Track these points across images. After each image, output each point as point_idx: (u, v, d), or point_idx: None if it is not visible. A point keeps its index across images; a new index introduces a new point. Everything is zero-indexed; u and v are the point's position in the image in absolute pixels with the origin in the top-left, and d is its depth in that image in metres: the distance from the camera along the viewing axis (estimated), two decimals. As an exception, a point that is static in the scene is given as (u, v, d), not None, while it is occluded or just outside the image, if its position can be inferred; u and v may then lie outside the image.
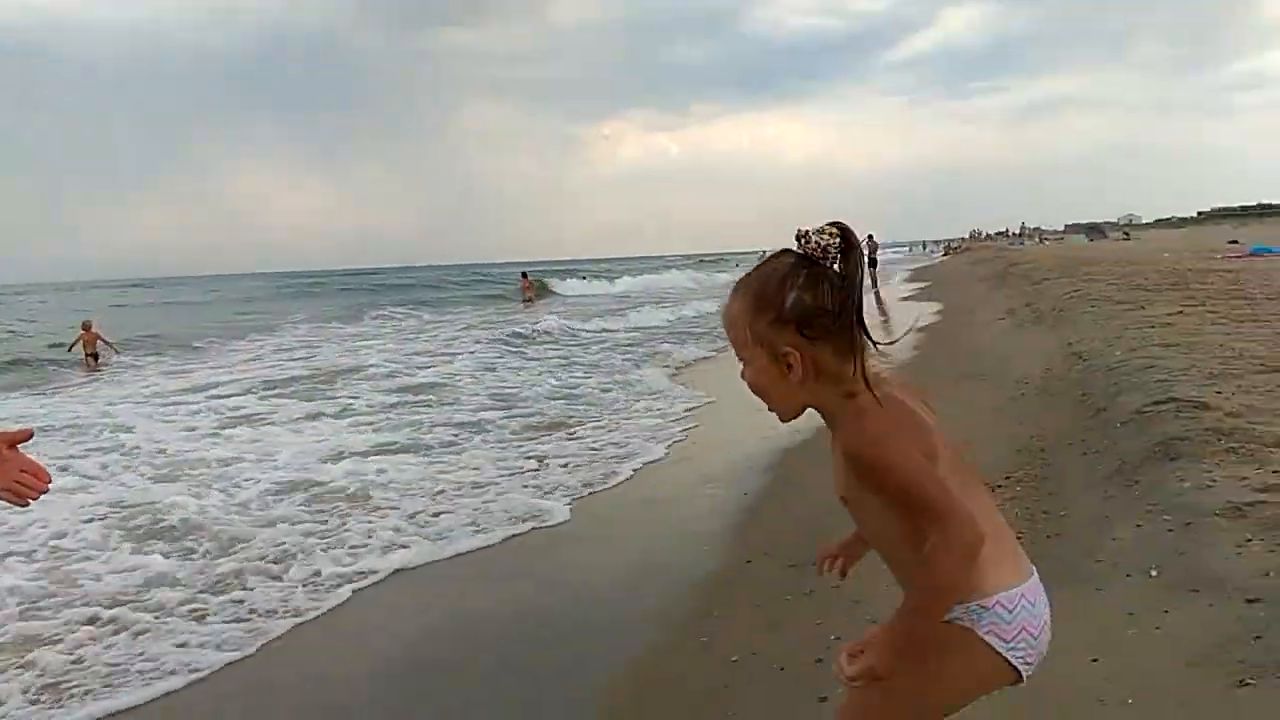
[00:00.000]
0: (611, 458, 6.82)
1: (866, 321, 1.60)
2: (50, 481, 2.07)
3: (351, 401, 10.41)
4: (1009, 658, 1.56)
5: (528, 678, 3.39)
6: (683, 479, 6.07)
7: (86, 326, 18.14)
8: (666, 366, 12.46)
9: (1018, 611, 1.56)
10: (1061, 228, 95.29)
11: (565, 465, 6.71)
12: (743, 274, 1.66)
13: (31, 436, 2.09)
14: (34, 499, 2.11)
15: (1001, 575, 1.57)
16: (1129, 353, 6.76)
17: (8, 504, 2.09)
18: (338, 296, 41.86)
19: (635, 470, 6.40)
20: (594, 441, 7.48)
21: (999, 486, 4.52)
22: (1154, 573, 2.99)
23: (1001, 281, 19.65)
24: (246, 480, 6.66)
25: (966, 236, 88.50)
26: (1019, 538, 3.82)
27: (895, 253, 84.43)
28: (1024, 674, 1.59)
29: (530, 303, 31.24)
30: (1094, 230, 74.44)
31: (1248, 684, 2.22)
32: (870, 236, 37.20)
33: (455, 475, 6.60)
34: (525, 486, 6.15)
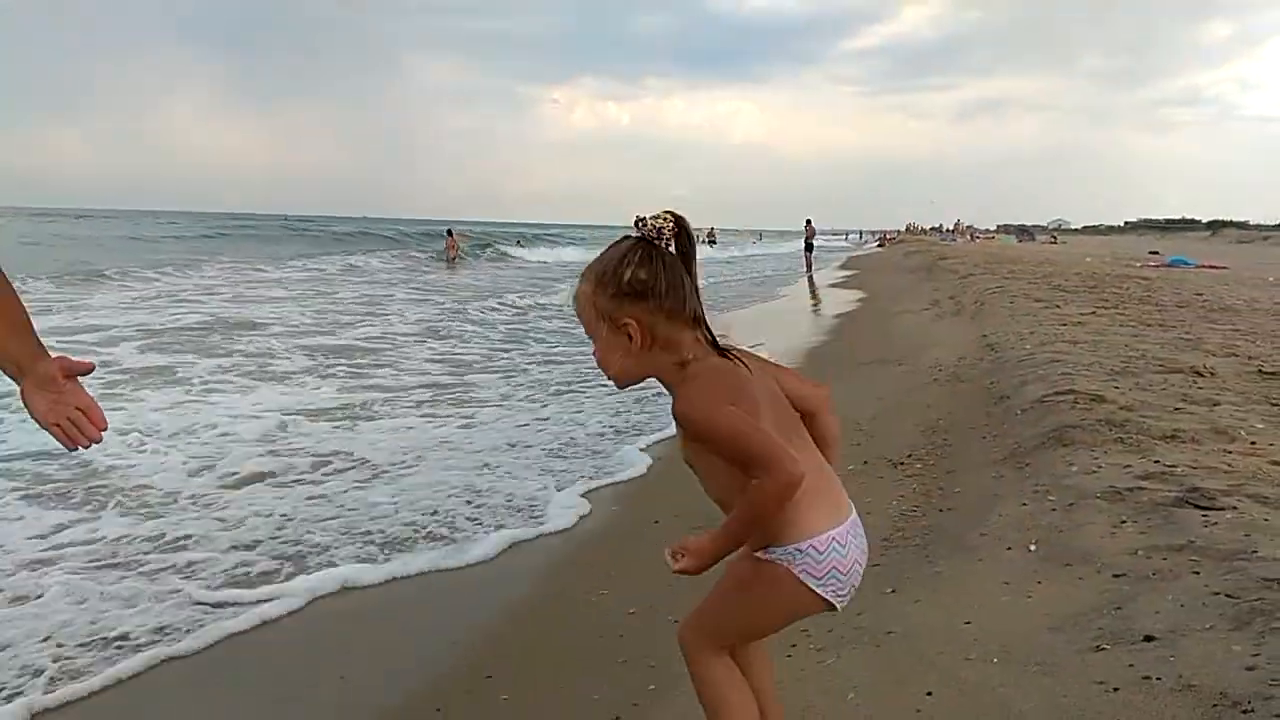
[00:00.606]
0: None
1: (701, 296, 1.82)
2: (106, 428, 1.88)
3: (285, 360, 9.44)
4: (820, 593, 1.78)
5: (454, 615, 3.44)
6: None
7: None
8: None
9: (828, 553, 1.77)
10: (993, 227, 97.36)
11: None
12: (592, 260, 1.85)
13: (93, 369, 1.93)
14: (85, 446, 1.89)
15: (816, 521, 1.77)
16: (1038, 347, 7.01)
17: (56, 442, 1.85)
18: (273, 242, 40.63)
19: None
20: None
21: (901, 464, 4.68)
22: (1032, 547, 3.15)
23: (929, 274, 20.08)
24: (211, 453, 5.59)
25: (903, 229, 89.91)
26: (914, 511, 3.99)
27: (834, 239, 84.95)
28: (837, 605, 1.82)
29: (453, 263, 30.47)
30: (1023, 232, 76.20)
31: (1102, 649, 2.36)
32: (809, 221, 37.54)
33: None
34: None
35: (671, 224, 1.78)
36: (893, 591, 3.09)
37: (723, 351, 1.82)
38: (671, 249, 1.78)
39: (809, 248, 34.88)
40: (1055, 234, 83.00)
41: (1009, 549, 3.21)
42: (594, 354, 1.85)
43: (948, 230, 74.54)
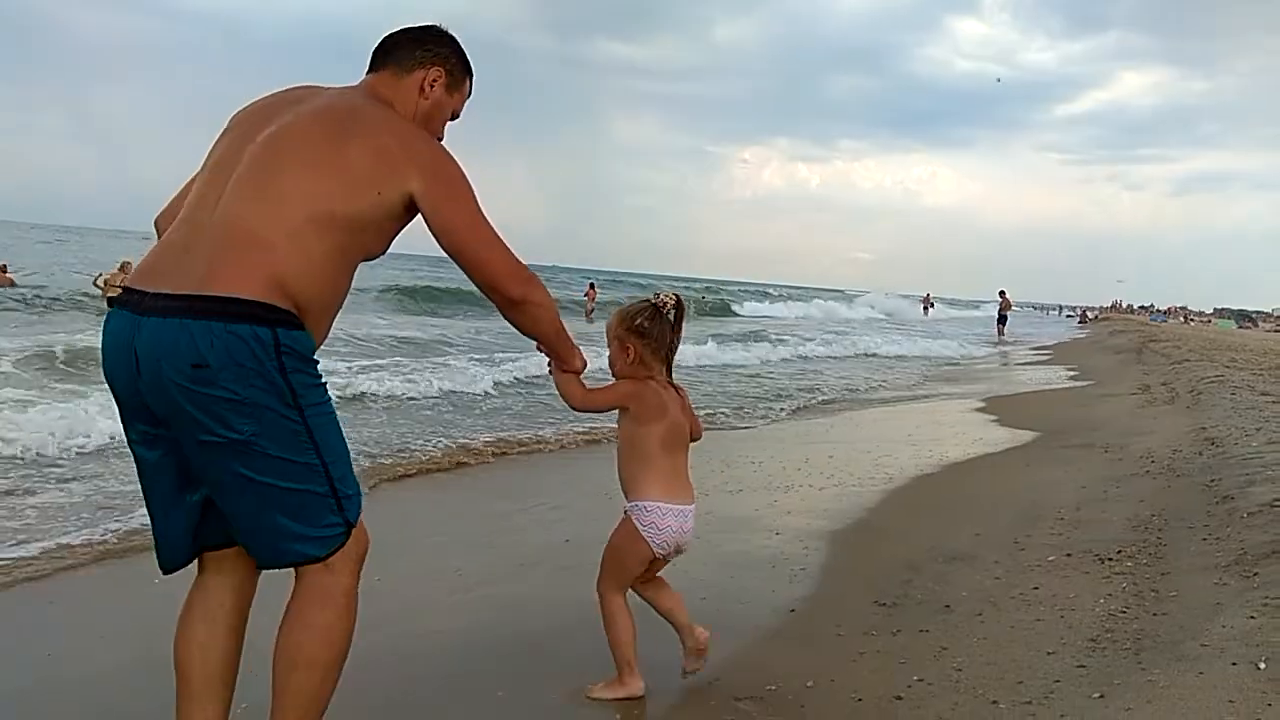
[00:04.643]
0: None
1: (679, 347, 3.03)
2: None
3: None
4: (644, 535, 2.92)
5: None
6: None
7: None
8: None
9: (651, 511, 2.92)
10: (1210, 310, 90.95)
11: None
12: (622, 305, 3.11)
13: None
14: None
15: (653, 492, 2.92)
16: (1267, 445, 6.46)
17: None
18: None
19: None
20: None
21: (1109, 559, 4.39)
22: (1262, 665, 2.88)
23: (1138, 357, 18.89)
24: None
25: (1108, 306, 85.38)
26: (1124, 612, 3.72)
27: (1053, 316, 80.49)
28: (655, 550, 2.94)
29: (590, 315, 28.81)
30: (1245, 317, 70.64)
31: (1349, 790, 2.14)
32: (1002, 293, 36.15)
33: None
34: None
35: (673, 302, 2.99)
36: (1100, 696, 2.90)
37: (672, 384, 3.03)
38: (670, 316, 2.96)
39: (1002, 319, 33.62)
40: (1282, 321, 76.44)
41: (1234, 664, 2.95)
42: (608, 356, 3.01)
43: (1159, 310, 70.17)
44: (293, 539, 2.09)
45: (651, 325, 2.92)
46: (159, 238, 2.26)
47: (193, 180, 2.28)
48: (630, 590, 3.06)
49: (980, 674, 3.22)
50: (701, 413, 10.72)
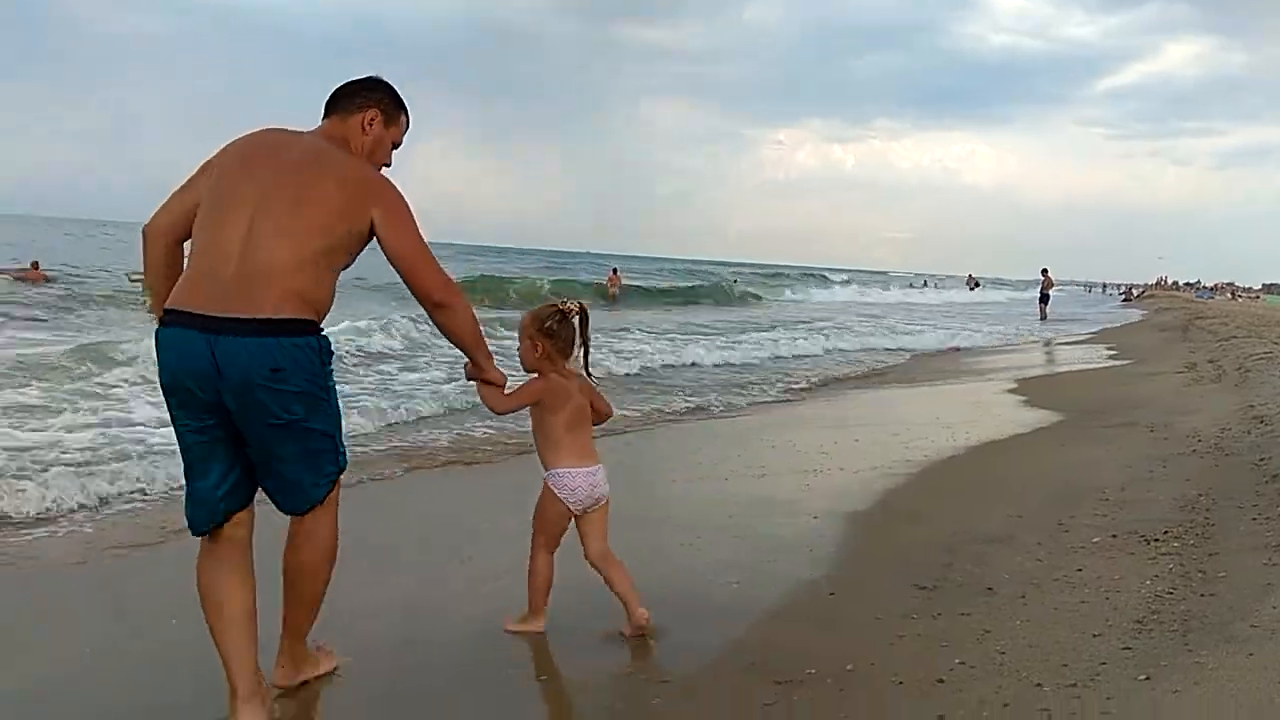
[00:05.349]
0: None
1: (589, 346, 3.50)
2: None
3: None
4: (560, 496, 3.40)
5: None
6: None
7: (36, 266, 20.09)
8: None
9: (564, 476, 3.40)
10: (1259, 285, 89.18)
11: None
12: (531, 309, 3.53)
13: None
14: None
15: (565, 461, 3.41)
16: (1318, 422, 6.32)
17: None
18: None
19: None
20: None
21: (1155, 540, 4.31)
22: (1315, 647, 2.82)
23: (1184, 334, 18.56)
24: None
25: (1152, 283, 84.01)
26: (1170, 593, 3.65)
27: (1097, 294, 79.66)
28: (571, 507, 3.42)
29: (614, 299, 28.91)
30: (1295, 293, 68.97)
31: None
32: (1045, 271, 35.65)
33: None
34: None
35: (577, 309, 3.44)
36: (1146, 678, 2.85)
37: (576, 374, 3.45)
38: (574, 320, 3.41)
39: (1044, 299, 33.14)
40: (1334, 296, 74.67)
41: (1286, 645, 2.89)
42: (518, 349, 3.44)
43: (1205, 287, 68.93)
44: (310, 486, 2.78)
45: (559, 328, 3.39)
46: (145, 246, 2.81)
47: (182, 195, 2.80)
48: (594, 568, 3.51)
49: (1023, 656, 3.18)
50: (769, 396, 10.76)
